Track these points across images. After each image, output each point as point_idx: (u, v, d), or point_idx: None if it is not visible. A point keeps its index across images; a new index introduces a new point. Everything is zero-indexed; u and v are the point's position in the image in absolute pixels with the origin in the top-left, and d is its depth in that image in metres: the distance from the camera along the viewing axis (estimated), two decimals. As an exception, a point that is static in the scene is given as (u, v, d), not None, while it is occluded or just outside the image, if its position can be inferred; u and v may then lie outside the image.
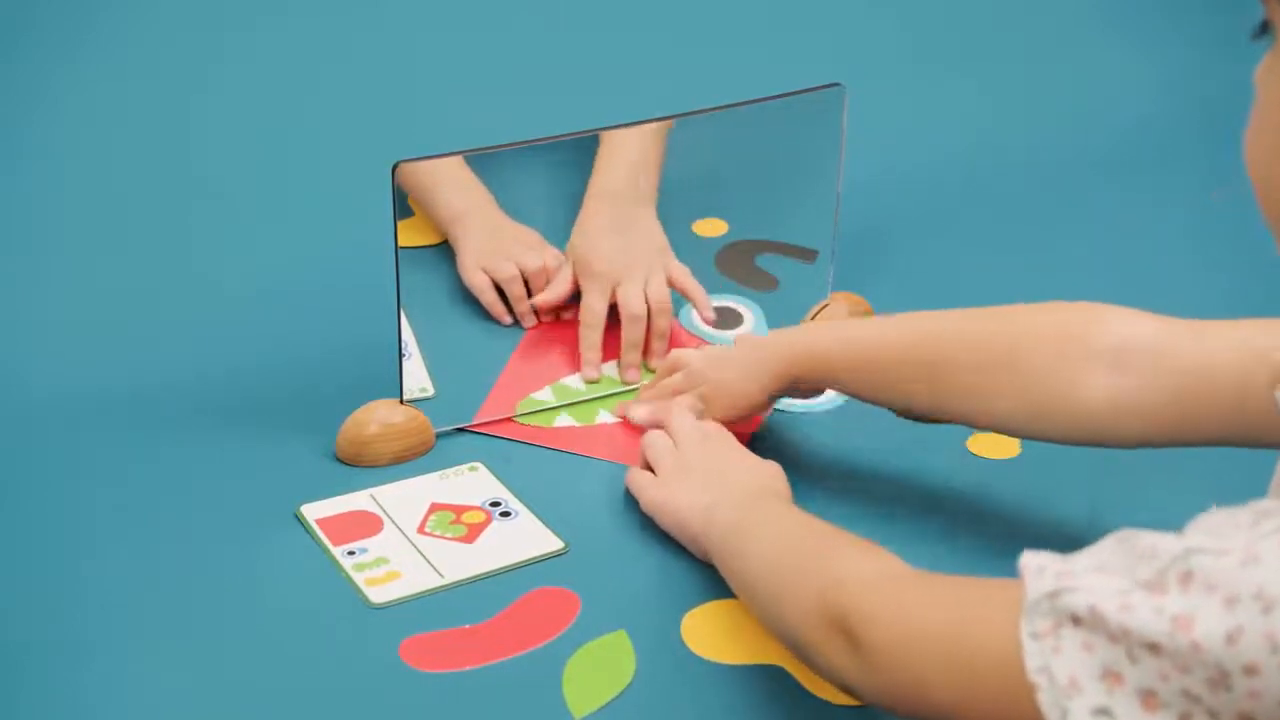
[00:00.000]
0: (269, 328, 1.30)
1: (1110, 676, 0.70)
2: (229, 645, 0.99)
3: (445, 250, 1.30)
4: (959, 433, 1.17)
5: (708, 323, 1.31)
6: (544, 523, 1.11)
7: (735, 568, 1.00)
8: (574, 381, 1.25)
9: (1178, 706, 0.69)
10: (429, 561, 1.07)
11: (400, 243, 1.14)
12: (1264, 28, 0.74)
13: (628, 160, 1.28)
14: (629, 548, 1.09)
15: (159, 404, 1.21)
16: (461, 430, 1.20)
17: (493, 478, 1.15)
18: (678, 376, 1.20)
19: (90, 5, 1.67)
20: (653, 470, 1.13)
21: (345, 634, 1.01)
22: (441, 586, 1.05)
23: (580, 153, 1.28)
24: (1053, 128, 1.68)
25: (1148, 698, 0.70)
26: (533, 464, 1.18)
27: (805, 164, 1.29)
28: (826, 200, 1.29)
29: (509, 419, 1.21)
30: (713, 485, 1.08)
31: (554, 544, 1.09)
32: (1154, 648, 0.69)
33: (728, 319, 1.32)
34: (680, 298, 1.30)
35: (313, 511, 1.11)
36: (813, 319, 1.29)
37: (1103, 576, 0.72)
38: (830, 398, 1.23)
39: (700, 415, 1.16)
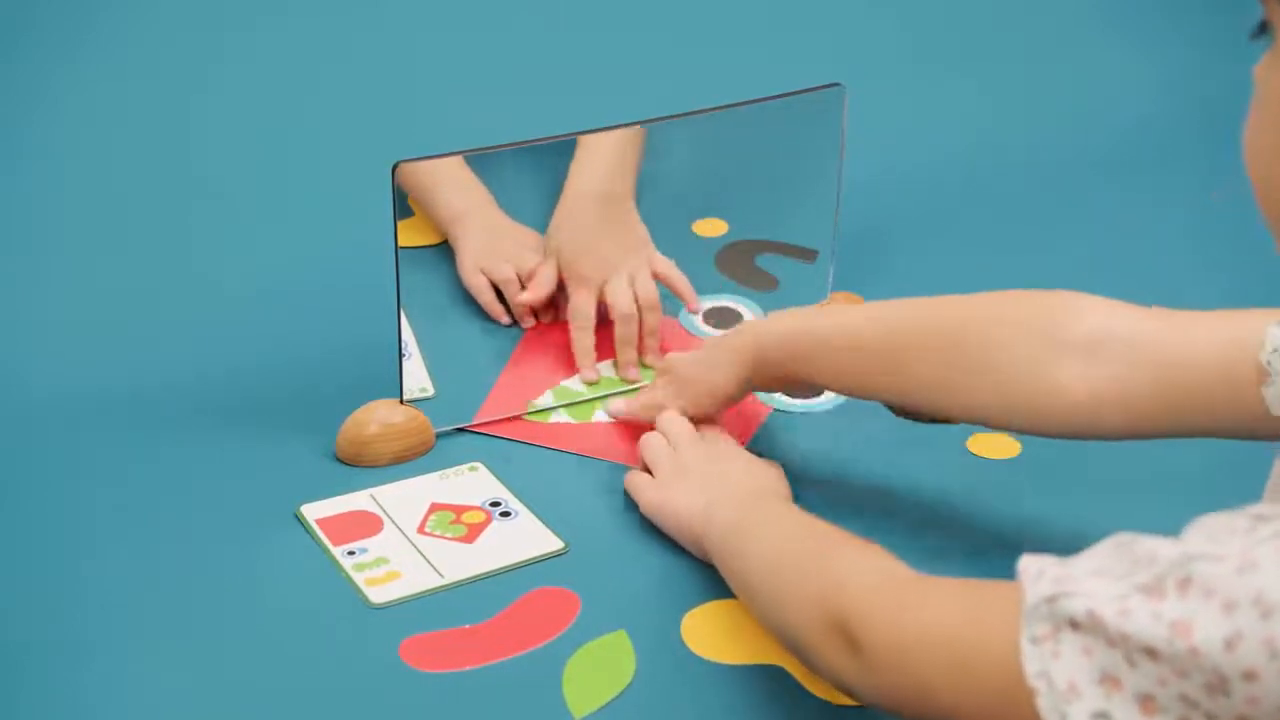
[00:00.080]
0: (269, 328, 1.30)
1: (1109, 681, 0.70)
2: (229, 645, 0.99)
3: (445, 250, 1.30)
4: (959, 433, 1.17)
5: (694, 313, 1.30)
6: (544, 523, 1.11)
7: (735, 568, 1.00)
8: (574, 384, 1.25)
9: (1176, 711, 0.69)
10: (429, 561, 1.07)
11: (400, 243, 1.14)
12: (1262, 27, 0.74)
13: (605, 160, 1.27)
14: (629, 548, 1.09)
15: (159, 404, 1.21)
16: (461, 430, 1.20)
17: (493, 478, 1.15)
18: (659, 381, 1.20)
19: (90, 5, 1.67)
20: (651, 472, 1.13)
21: (345, 634, 1.01)
22: (441, 586, 1.05)
23: (558, 155, 1.27)
24: (1053, 128, 1.68)
25: (1146, 702, 0.70)
26: (533, 464, 1.18)
27: (805, 164, 1.29)
28: (826, 200, 1.29)
29: (509, 419, 1.21)
30: (712, 486, 1.08)
31: (554, 544, 1.09)
32: (1152, 653, 0.69)
33: (728, 319, 1.32)
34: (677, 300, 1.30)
35: (313, 511, 1.11)
36: None
37: (1101, 581, 0.72)
38: (830, 397, 1.23)
39: (681, 412, 1.16)
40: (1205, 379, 0.94)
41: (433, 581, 1.05)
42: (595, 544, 1.09)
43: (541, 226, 1.29)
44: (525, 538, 1.10)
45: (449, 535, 1.09)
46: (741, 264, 1.33)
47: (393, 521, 1.11)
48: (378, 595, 1.04)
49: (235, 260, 1.39)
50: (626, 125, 1.23)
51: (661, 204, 1.30)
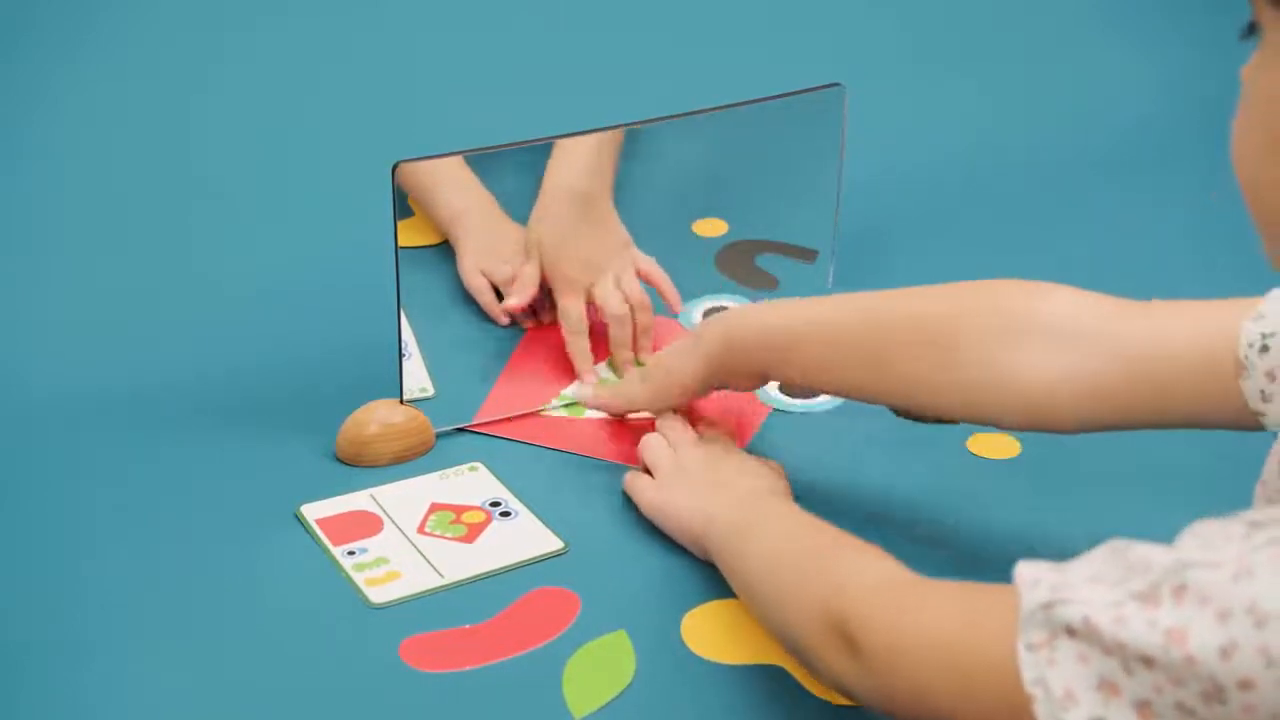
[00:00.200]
0: (269, 328, 1.30)
1: (1106, 687, 0.70)
2: (229, 645, 0.99)
3: (445, 250, 1.30)
4: (959, 433, 1.17)
5: (677, 315, 1.30)
6: (544, 523, 1.11)
7: (736, 567, 1.00)
8: (575, 390, 1.24)
9: (1173, 718, 0.69)
10: (429, 561, 1.07)
11: (400, 243, 1.14)
12: (1251, 28, 0.74)
13: (583, 160, 1.26)
14: (629, 548, 1.09)
15: (159, 404, 1.21)
16: (461, 430, 1.20)
17: (493, 478, 1.15)
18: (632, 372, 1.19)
19: (90, 5, 1.67)
20: (650, 473, 1.13)
21: (345, 634, 1.01)
22: (441, 586, 1.05)
23: (536, 156, 1.27)
24: (1053, 128, 1.68)
25: (1143, 709, 0.70)
26: (533, 464, 1.18)
27: (805, 164, 1.29)
28: (826, 200, 1.29)
29: (509, 419, 1.21)
30: (714, 486, 1.08)
31: (554, 544, 1.09)
32: (1148, 661, 0.69)
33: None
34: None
35: (313, 511, 1.11)
36: None
37: (1096, 588, 0.72)
38: (830, 397, 1.23)
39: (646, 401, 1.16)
40: (1179, 371, 0.93)
41: (433, 581, 1.05)
42: (595, 544, 1.09)
43: None
44: (525, 538, 1.10)
45: (449, 535, 1.09)
46: (741, 264, 1.33)
47: (393, 521, 1.11)
48: (378, 595, 1.04)
49: (235, 260, 1.39)
50: (627, 125, 1.23)
51: (661, 204, 1.30)
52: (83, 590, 1.03)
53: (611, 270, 1.26)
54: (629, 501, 1.12)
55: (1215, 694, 0.67)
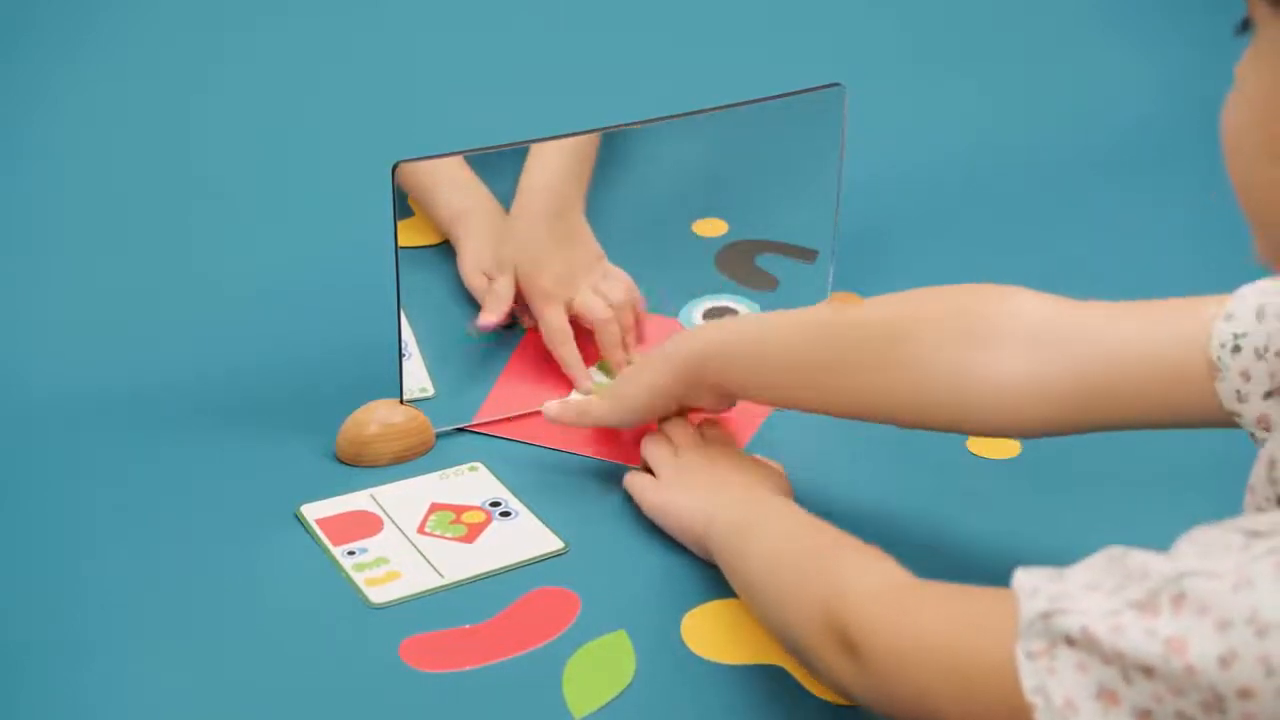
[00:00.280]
0: (269, 328, 1.30)
1: (1106, 695, 0.70)
2: (229, 645, 0.99)
3: (445, 250, 1.29)
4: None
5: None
6: (544, 523, 1.11)
7: (737, 567, 1.00)
8: (545, 405, 1.23)
9: None
10: (429, 561, 1.07)
11: (400, 243, 1.14)
12: (1246, 24, 0.74)
13: (555, 175, 1.24)
14: (629, 548, 1.09)
15: (159, 404, 1.21)
16: (461, 430, 1.20)
17: (493, 478, 1.15)
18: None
19: (90, 5, 1.67)
20: (652, 473, 1.13)
21: (345, 634, 1.01)
22: (441, 586, 1.05)
23: (514, 160, 1.26)
24: (1053, 128, 1.68)
25: (1143, 718, 0.70)
26: (533, 464, 1.18)
27: (805, 164, 1.29)
28: (826, 200, 1.29)
29: (509, 419, 1.21)
30: (715, 486, 1.08)
31: (554, 544, 1.09)
32: (1148, 670, 0.69)
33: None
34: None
35: (313, 511, 1.11)
36: None
37: (1094, 596, 0.72)
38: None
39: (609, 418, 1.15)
40: (1146, 374, 0.93)
41: (433, 581, 1.05)
42: (595, 544, 1.09)
43: None
44: (525, 538, 1.10)
45: (449, 535, 1.09)
46: (741, 264, 1.33)
47: (393, 521, 1.11)
48: (378, 595, 1.04)
49: (235, 260, 1.39)
50: (627, 126, 1.23)
51: (662, 204, 1.30)
52: (83, 590, 1.03)
53: (588, 282, 1.25)
54: (629, 501, 1.12)
55: (1215, 703, 0.67)
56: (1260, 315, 0.89)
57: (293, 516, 1.10)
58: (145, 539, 1.08)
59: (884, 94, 1.53)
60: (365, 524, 1.10)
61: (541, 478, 1.16)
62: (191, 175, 1.50)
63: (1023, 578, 0.76)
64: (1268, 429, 0.89)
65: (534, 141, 1.21)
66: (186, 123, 1.56)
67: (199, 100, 1.59)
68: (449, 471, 1.16)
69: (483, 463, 1.17)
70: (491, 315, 1.23)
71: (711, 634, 1.01)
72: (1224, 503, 0.85)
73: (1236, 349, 0.89)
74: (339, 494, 1.13)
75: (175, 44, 1.66)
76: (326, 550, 1.07)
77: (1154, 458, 1.12)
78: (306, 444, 1.17)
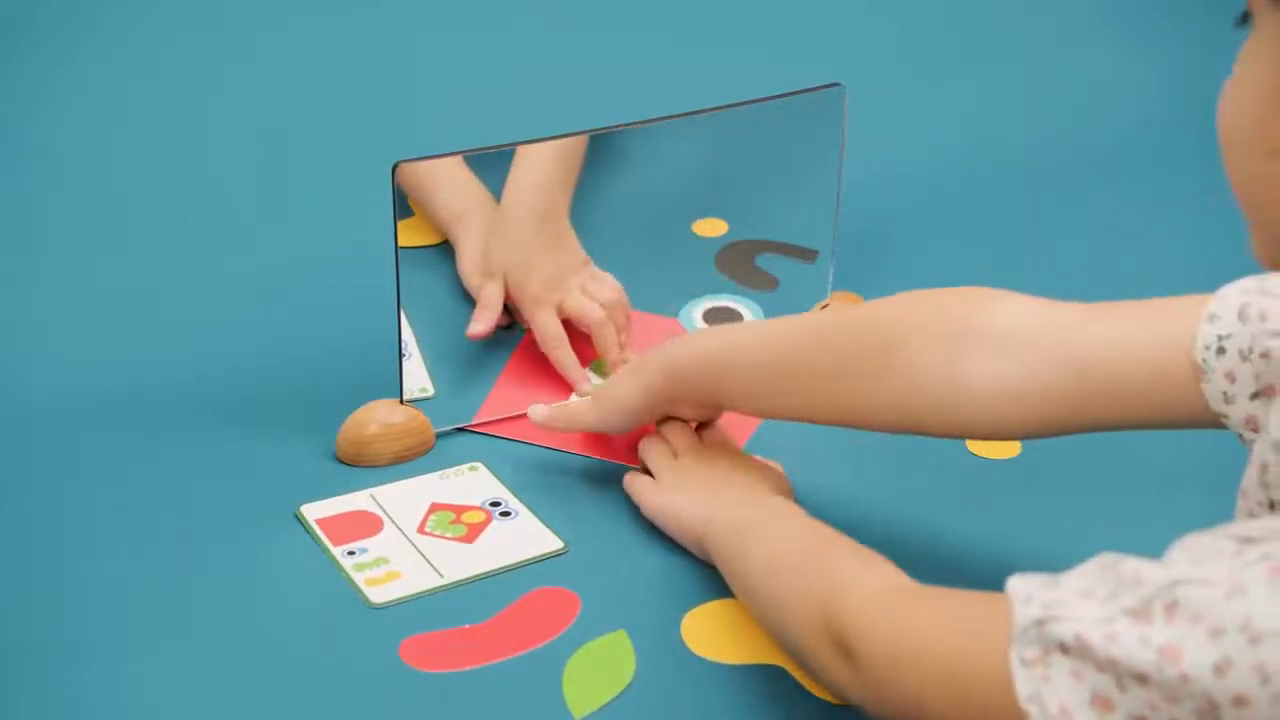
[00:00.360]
0: (269, 328, 1.30)
1: (1100, 702, 0.70)
2: (229, 645, 0.99)
3: (445, 250, 1.30)
4: (959, 432, 1.17)
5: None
6: (544, 523, 1.11)
7: (736, 569, 1.00)
8: (530, 409, 1.23)
9: None
10: (429, 561, 1.07)
11: (400, 243, 1.14)
12: (1245, 17, 0.74)
13: (540, 180, 1.24)
14: (629, 548, 1.09)
15: (159, 404, 1.21)
16: (461, 430, 1.20)
17: (493, 478, 1.16)
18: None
19: (90, 5, 1.67)
20: (650, 474, 1.13)
21: (345, 634, 1.01)
22: (441, 586, 1.05)
23: (501, 163, 1.26)
24: (1053, 128, 1.68)
25: None
26: (533, 464, 1.18)
27: (805, 164, 1.29)
28: (826, 200, 1.29)
29: (509, 419, 1.21)
30: (715, 487, 1.08)
31: (554, 544, 1.09)
32: (1142, 678, 0.69)
33: (727, 319, 1.32)
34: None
35: (313, 511, 1.11)
36: None
37: (1088, 604, 0.72)
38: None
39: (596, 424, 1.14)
40: (1135, 374, 0.92)
41: (433, 581, 1.05)
42: (595, 544, 1.09)
43: None
44: (525, 538, 1.10)
45: (449, 535, 1.09)
46: (741, 264, 1.33)
47: (393, 521, 1.11)
48: (378, 595, 1.04)
49: (235, 260, 1.39)
50: (627, 126, 1.23)
51: (662, 204, 1.30)
52: (83, 590, 1.03)
53: (575, 285, 1.25)
54: (629, 501, 1.12)
55: (1209, 711, 0.67)
56: (1243, 316, 0.88)
57: (293, 516, 1.10)
58: (145, 539, 1.08)
59: (884, 94, 1.53)
60: (365, 524, 1.10)
61: (541, 478, 1.16)
62: (191, 175, 1.50)
63: (1017, 584, 0.76)
64: (1256, 430, 0.89)
65: (535, 141, 1.21)
66: (186, 123, 1.56)
67: (199, 100, 1.59)
68: (449, 471, 1.16)
69: (483, 463, 1.17)
70: (481, 325, 1.23)
71: (711, 634, 1.01)
72: (1220, 505, 0.85)
73: (1221, 350, 0.89)
74: (339, 494, 1.13)
75: (175, 44, 1.66)
76: (326, 550, 1.07)
77: (1152, 459, 1.12)
78: (306, 444, 1.17)
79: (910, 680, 0.81)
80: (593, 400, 1.15)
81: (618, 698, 0.96)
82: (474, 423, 1.21)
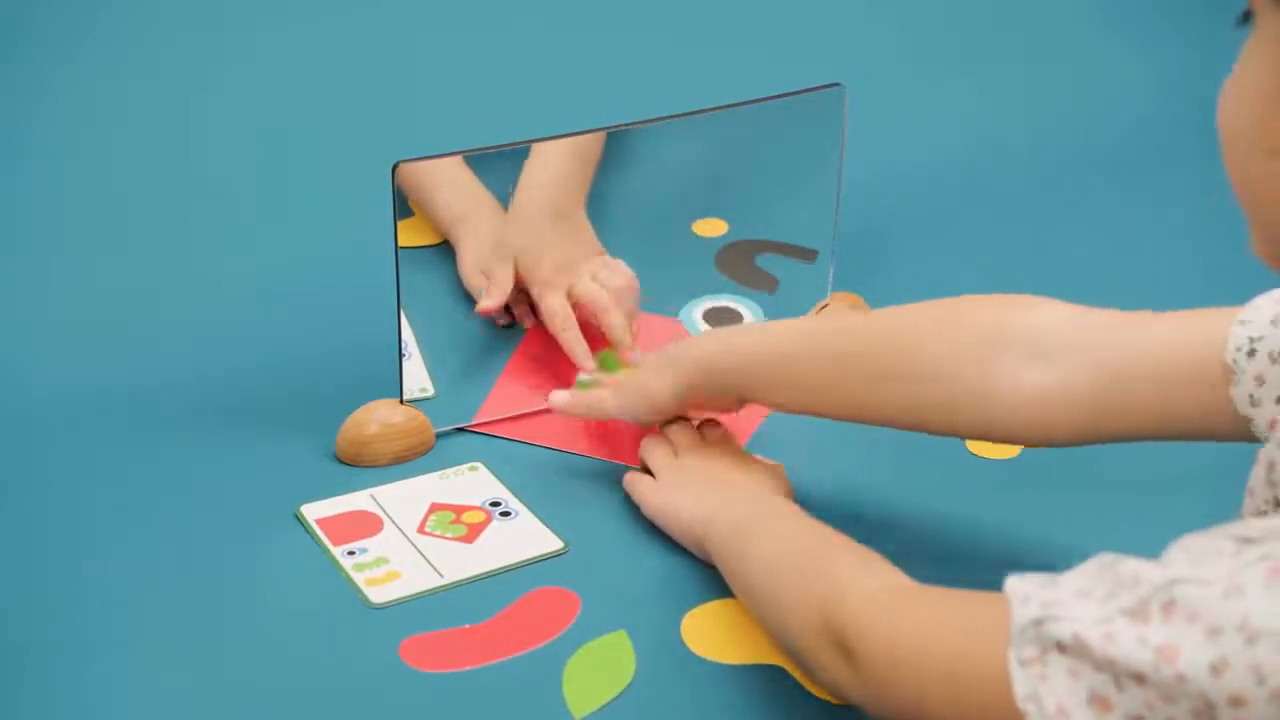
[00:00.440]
0: (269, 328, 1.30)
1: (1098, 701, 0.70)
2: (229, 645, 0.99)
3: (445, 250, 1.30)
4: (959, 432, 1.17)
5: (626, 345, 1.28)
6: (544, 523, 1.11)
7: (736, 569, 1.00)
8: (553, 395, 1.23)
9: None
10: (429, 561, 1.07)
11: (400, 243, 1.14)
12: (1246, 16, 0.74)
13: (558, 170, 1.25)
14: (629, 548, 1.09)
15: (159, 404, 1.21)
16: (461, 430, 1.20)
17: (493, 478, 1.15)
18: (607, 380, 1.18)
19: (90, 5, 1.67)
20: (651, 473, 1.13)
21: (345, 634, 1.01)
22: (441, 586, 1.05)
23: (515, 159, 1.26)
24: (1053, 128, 1.68)
25: None
26: (533, 464, 1.18)
27: (805, 164, 1.29)
28: (826, 200, 1.29)
29: (509, 418, 1.21)
30: (715, 487, 1.08)
31: (554, 544, 1.09)
32: (1139, 678, 0.69)
33: (727, 319, 1.32)
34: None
35: (313, 511, 1.11)
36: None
37: (1086, 603, 0.72)
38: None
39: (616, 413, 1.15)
40: (1167, 376, 0.93)
41: (433, 581, 1.05)
42: (595, 544, 1.09)
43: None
44: (525, 538, 1.10)
45: (449, 535, 1.09)
46: (741, 264, 1.33)
47: (393, 521, 1.11)
48: (378, 595, 1.04)
49: (235, 260, 1.39)
50: (627, 126, 1.23)
51: (662, 204, 1.30)
52: (83, 590, 1.03)
53: (587, 271, 1.26)
54: (629, 501, 1.12)
55: (1206, 711, 0.67)
56: (1276, 321, 0.89)
57: (293, 516, 1.11)
58: (145, 539, 1.08)
59: (884, 94, 1.53)
60: (365, 524, 1.10)
61: (541, 478, 1.16)
62: (191, 175, 1.50)
63: (1015, 584, 0.76)
64: (1274, 429, 0.89)
65: (535, 141, 1.21)
66: (186, 123, 1.56)
67: (199, 100, 1.59)
68: (449, 471, 1.16)
69: (483, 463, 1.17)
70: (491, 300, 1.23)
71: (711, 634, 1.01)
72: (1223, 505, 0.85)
73: (1251, 353, 0.89)
74: (339, 494, 1.13)
75: (175, 44, 1.66)
76: (326, 550, 1.07)
77: (1153, 460, 1.11)
78: (306, 444, 1.17)
79: (910, 680, 0.81)
80: (616, 389, 1.15)
81: (618, 698, 0.96)
82: (474, 423, 1.21)
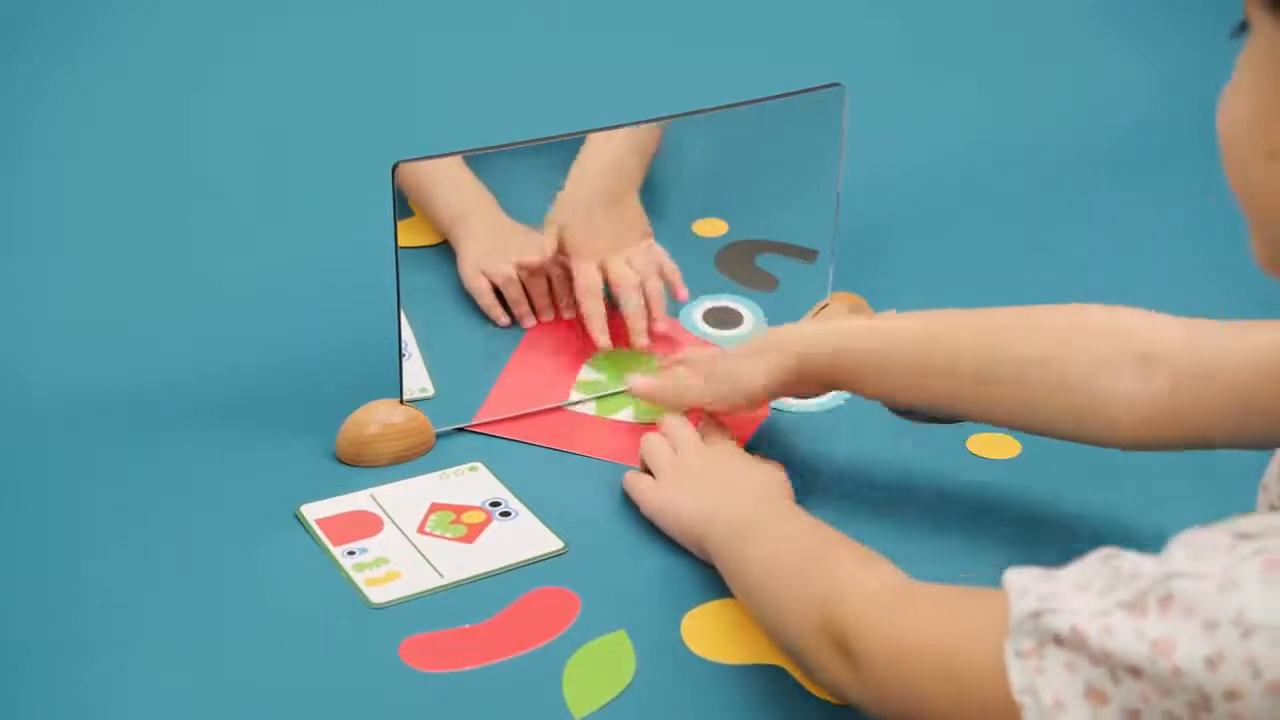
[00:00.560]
0: (269, 328, 1.30)
1: (1094, 695, 0.71)
2: (229, 645, 0.99)
3: (445, 250, 1.30)
4: (959, 432, 1.17)
5: (682, 300, 1.30)
6: (544, 523, 1.11)
7: (735, 569, 1.00)
8: (590, 373, 1.24)
9: None
10: (429, 561, 1.07)
11: (400, 243, 1.14)
12: (1243, 25, 0.74)
13: (617, 148, 1.26)
14: (629, 548, 1.09)
15: (159, 404, 1.21)
16: (461, 430, 1.20)
17: (493, 478, 1.16)
18: (685, 370, 1.18)
19: (90, 5, 1.67)
20: (651, 472, 1.13)
21: (345, 634, 1.01)
22: (441, 586, 1.05)
23: (559, 154, 1.27)
24: (1053, 128, 1.68)
25: (1132, 718, 0.70)
26: (533, 464, 1.18)
27: (805, 164, 1.29)
28: (826, 200, 1.29)
29: (509, 418, 1.21)
30: (715, 487, 1.08)
31: (554, 544, 1.09)
32: (1136, 671, 0.69)
33: (727, 319, 1.32)
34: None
35: (313, 511, 1.11)
36: (812, 319, 1.28)
37: (1084, 596, 0.72)
38: (830, 398, 1.23)
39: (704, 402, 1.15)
40: (1270, 388, 0.94)
41: (433, 581, 1.05)
42: (595, 544, 1.09)
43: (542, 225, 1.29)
44: (525, 538, 1.10)
45: (449, 535, 1.09)
46: (741, 264, 1.34)
47: (393, 521, 1.11)
48: (378, 595, 1.04)
49: (235, 260, 1.39)
50: (626, 126, 1.23)
51: (662, 203, 1.30)
52: (83, 590, 1.03)
53: (626, 249, 1.27)
54: (629, 501, 1.12)
55: (1202, 704, 0.67)
56: None
57: (293, 516, 1.11)
58: (145, 539, 1.08)
59: (884, 94, 1.53)
60: (365, 524, 1.10)
61: (541, 478, 1.16)
62: (191, 175, 1.50)
63: (1013, 577, 0.76)
64: None
65: (533, 141, 1.20)
66: (186, 123, 1.56)
67: (199, 100, 1.59)
68: (449, 471, 1.16)
69: (483, 463, 1.17)
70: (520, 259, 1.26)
71: (711, 634, 1.01)
72: (1220, 506, 0.85)
73: None
74: (339, 494, 1.13)
75: (175, 44, 1.66)
76: (326, 550, 1.07)
77: (1151, 458, 1.12)
78: (306, 444, 1.17)
79: (908, 678, 0.81)
80: (707, 376, 1.15)
81: (618, 698, 0.96)
82: (474, 423, 1.21)
